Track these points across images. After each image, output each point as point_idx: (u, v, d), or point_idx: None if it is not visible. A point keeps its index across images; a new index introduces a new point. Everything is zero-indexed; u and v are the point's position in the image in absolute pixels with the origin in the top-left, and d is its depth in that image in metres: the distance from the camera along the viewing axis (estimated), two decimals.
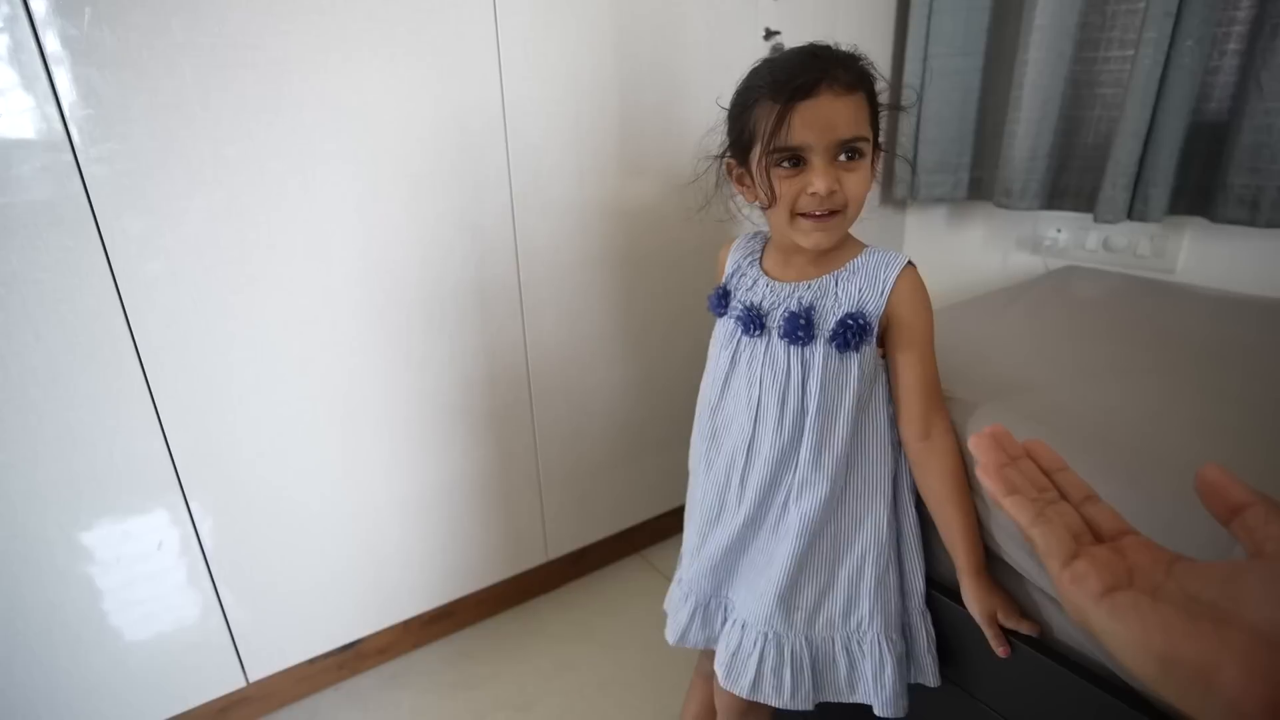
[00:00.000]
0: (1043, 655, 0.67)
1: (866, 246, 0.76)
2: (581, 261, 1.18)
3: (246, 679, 1.06)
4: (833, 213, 0.68)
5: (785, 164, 0.68)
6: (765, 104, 0.67)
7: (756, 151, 0.69)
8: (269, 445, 0.98)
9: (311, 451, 1.01)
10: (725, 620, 0.83)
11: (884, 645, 0.75)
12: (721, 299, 0.82)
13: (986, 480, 0.36)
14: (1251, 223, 1.07)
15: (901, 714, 0.76)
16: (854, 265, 0.74)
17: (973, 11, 1.37)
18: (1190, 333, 0.95)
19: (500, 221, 1.07)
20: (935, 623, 0.77)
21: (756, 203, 0.74)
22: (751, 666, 0.77)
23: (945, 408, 0.75)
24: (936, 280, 1.75)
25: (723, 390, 0.80)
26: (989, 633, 0.70)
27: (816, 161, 0.66)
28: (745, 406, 0.77)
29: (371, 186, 0.95)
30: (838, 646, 0.77)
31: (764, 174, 0.69)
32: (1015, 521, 0.35)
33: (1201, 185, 1.16)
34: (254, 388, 0.94)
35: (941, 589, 0.77)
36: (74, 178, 0.77)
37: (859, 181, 0.69)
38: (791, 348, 0.73)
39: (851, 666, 0.77)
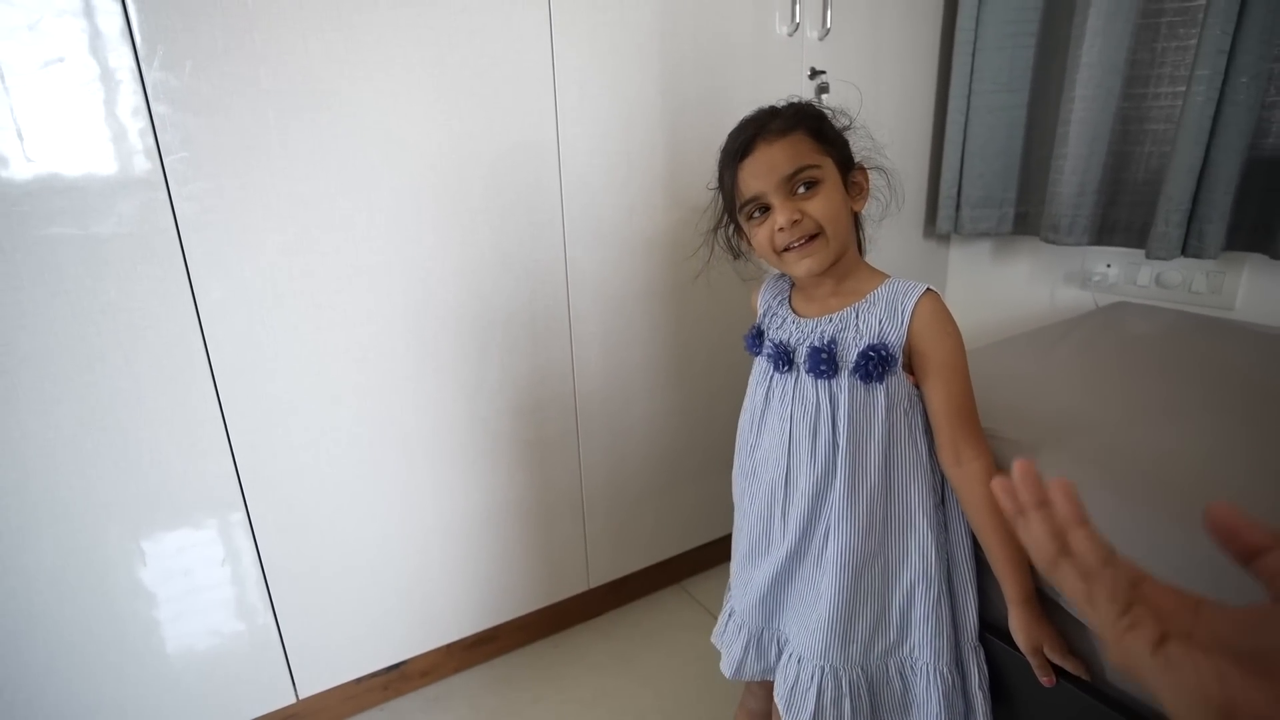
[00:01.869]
0: (1093, 698, 0.66)
1: (889, 277, 0.77)
2: (629, 294, 1.21)
3: (297, 695, 1.09)
4: (812, 237, 0.73)
5: (756, 214, 0.76)
6: (726, 172, 0.78)
7: (736, 213, 0.79)
8: (327, 468, 1.02)
9: (366, 475, 1.05)
10: (780, 653, 0.83)
11: (933, 676, 0.75)
12: (756, 338, 0.85)
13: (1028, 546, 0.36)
14: None
15: None
16: (874, 296, 0.76)
17: (1018, 49, 1.38)
18: (1249, 372, 0.93)
19: (552, 255, 1.11)
20: (989, 661, 0.76)
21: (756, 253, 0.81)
22: (811, 700, 0.77)
23: (979, 433, 0.74)
24: (981, 315, 1.75)
25: (760, 427, 0.83)
26: (1034, 663, 0.69)
27: (775, 201, 0.73)
28: (780, 441, 0.79)
29: (431, 221, 1.00)
30: (892, 671, 0.78)
31: (738, 234, 0.82)
32: (1060, 586, 0.34)
33: (1260, 221, 1.14)
34: (316, 412, 0.99)
35: (994, 629, 0.76)
36: (166, 214, 0.83)
37: (822, 203, 0.73)
38: (819, 381, 0.76)
39: (905, 689, 0.77)
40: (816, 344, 0.75)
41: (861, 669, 0.77)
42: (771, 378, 0.81)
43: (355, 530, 1.06)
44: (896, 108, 1.46)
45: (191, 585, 0.97)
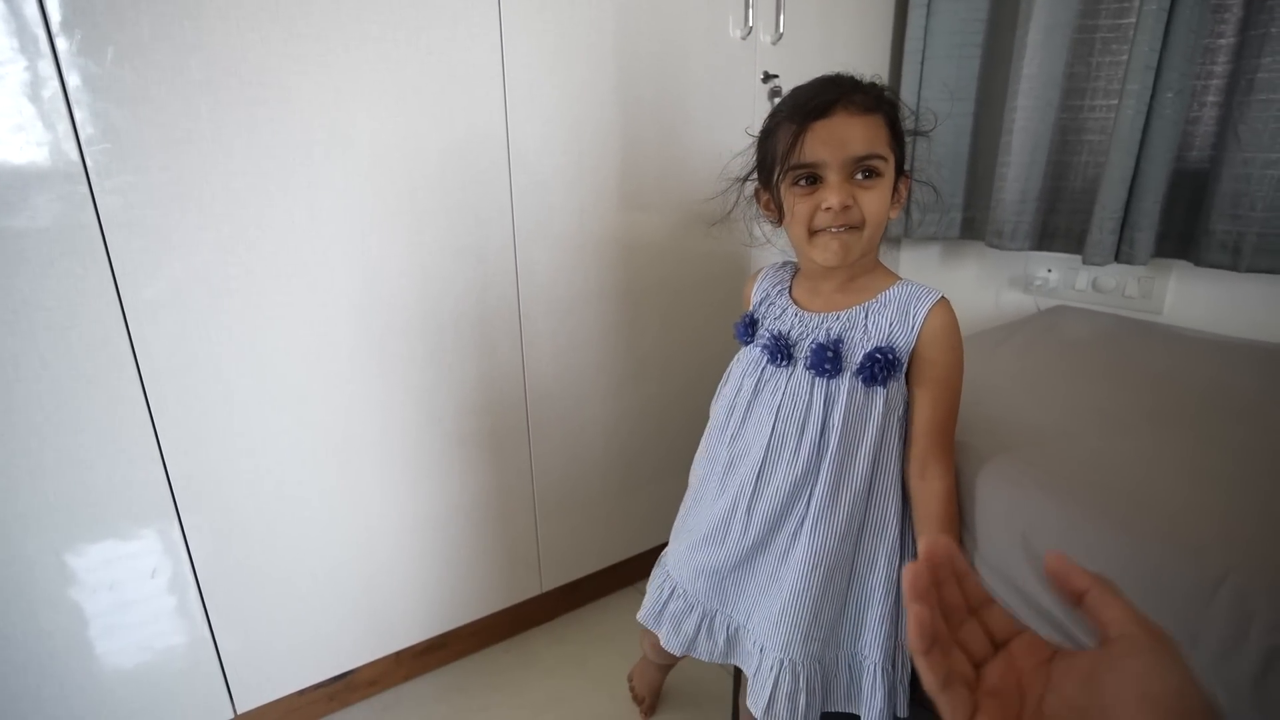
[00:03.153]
0: None
1: (900, 279, 0.75)
2: (582, 294, 1.20)
3: (235, 710, 1.05)
4: (851, 228, 0.69)
5: (802, 182, 0.70)
6: (785, 126, 0.70)
7: (777, 172, 0.71)
8: (266, 473, 0.98)
9: (308, 480, 1.02)
10: (730, 638, 0.84)
11: (879, 674, 0.77)
12: (749, 327, 0.82)
13: (911, 631, 0.36)
14: (1234, 267, 1.10)
15: None
16: (885, 297, 0.73)
17: (964, 60, 1.42)
18: (1177, 375, 0.97)
19: (502, 254, 1.10)
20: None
21: (780, 225, 0.75)
22: (766, 691, 0.78)
23: (951, 452, 0.75)
24: None
25: (743, 419, 0.80)
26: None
27: (831, 178, 0.68)
28: (761, 435, 0.77)
29: (376, 219, 0.98)
30: (842, 663, 0.79)
31: (780, 192, 0.72)
32: (925, 680, 0.35)
33: (1185, 230, 1.19)
34: (254, 416, 0.95)
35: None
36: (88, 209, 0.79)
37: (876, 199, 0.69)
38: (817, 380, 0.73)
39: (852, 682, 0.79)
40: (823, 340, 0.73)
41: (818, 661, 0.78)
42: (764, 369, 0.78)
43: (298, 537, 1.03)
44: None
45: (119, 599, 0.92)
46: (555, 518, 1.28)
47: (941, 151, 1.47)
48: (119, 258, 0.82)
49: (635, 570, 1.47)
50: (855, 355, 0.72)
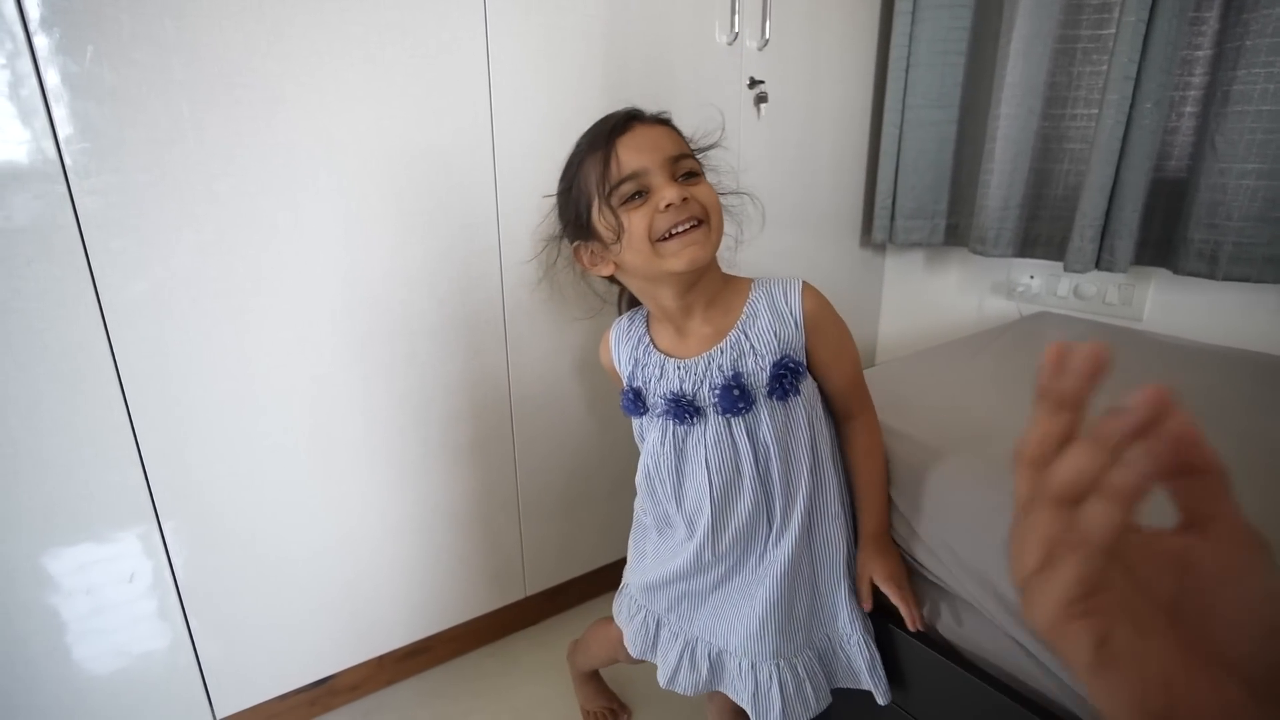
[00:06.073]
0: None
1: (749, 279, 0.75)
2: (565, 298, 1.20)
3: (214, 716, 1.03)
4: (696, 225, 0.67)
5: (635, 198, 0.67)
6: (590, 158, 0.68)
7: (596, 206, 0.68)
8: (247, 476, 0.97)
9: (290, 484, 1.01)
10: (712, 666, 0.83)
11: (862, 647, 0.79)
12: (635, 400, 0.78)
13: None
14: (1210, 275, 1.12)
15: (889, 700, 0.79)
16: (752, 307, 0.72)
17: (948, 68, 1.43)
18: (1156, 380, 0.98)
19: (486, 257, 1.09)
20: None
21: (611, 274, 0.73)
22: (776, 699, 0.78)
23: (868, 392, 0.79)
24: (914, 322, 1.81)
25: (678, 482, 0.78)
26: (861, 590, 0.77)
27: (657, 180, 0.66)
28: (703, 493, 0.76)
29: (360, 221, 0.97)
30: (834, 644, 0.80)
31: (612, 217, 0.67)
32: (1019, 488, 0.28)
33: (1163, 238, 1.21)
34: (235, 419, 0.94)
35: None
36: (66, 209, 0.78)
37: (708, 191, 0.68)
38: (733, 420, 0.71)
39: (849, 660, 0.80)
40: (723, 382, 0.70)
41: (809, 648, 0.79)
42: (674, 432, 0.75)
43: (279, 541, 1.02)
44: (834, 119, 1.50)
45: (96, 603, 0.91)
46: (539, 522, 1.28)
47: (925, 159, 1.49)
48: (98, 259, 0.81)
49: (619, 576, 1.47)
50: (759, 378, 0.71)
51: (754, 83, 1.31)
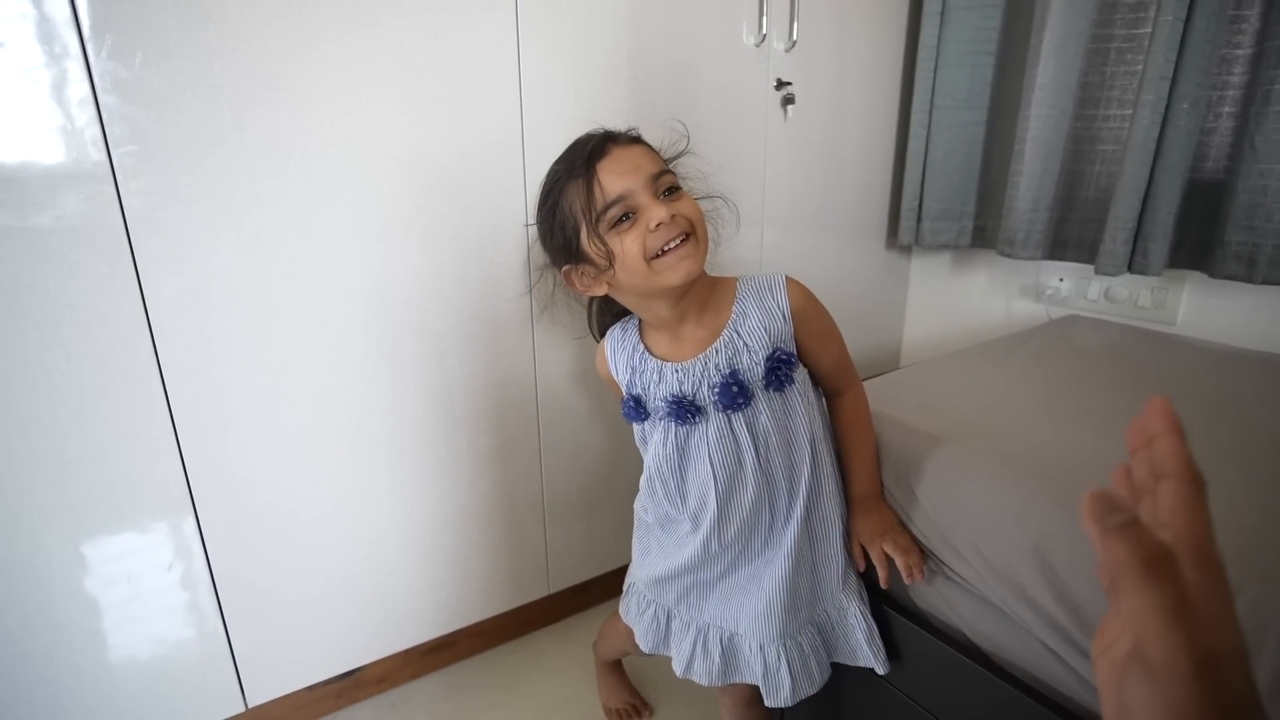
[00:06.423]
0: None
1: (734, 279, 0.78)
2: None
3: (246, 704, 1.06)
4: (686, 236, 0.70)
5: (623, 220, 0.69)
6: (572, 186, 0.70)
7: (584, 233, 0.70)
8: (281, 471, 0.99)
9: (321, 479, 1.03)
10: (724, 652, 0.85)
11: (858, 620, 0.81)
12: (637, 407, 0.81)
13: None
14: (1249, 279, 1.10)
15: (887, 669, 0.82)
16: (740, 307, 0.75)
17: (977, 68, 1.42)
18: (1189, 386, 0.97)
19: (515, 258, 1.11)
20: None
21: (603, 292, 0.75)
22: (786, 678, 0.80)
23: (854, 368, 0.82)
24: (940, 325, 1.79)
25: (682, 480, 0.81)
26: (853, 553, 0.80)
27: (643, 200, 0.68)
28: (708, 488, 0.78)
29: (392, 220, 0.99)
30: (834, 616, 0.83)
31: (601, 244, 0.69)
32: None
33: (1200, 241, 1.19)
34: (270, 414, 0.96)
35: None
36: (114, 209, 0.81)
37: (690, 204, 0.71)
38: (733, 416, 0.75)
39: (846, 635, 0.82)
40: (721, 380, 0.74)
41: (811, 624, 0.82)
42: (676, 433, 0.78)
43: (310, 535, 1.04)
44: (861, 120, 1.49)
45: (135, 591, 0.94)
46: (563, 521, 1.29)
47: (953, 160, 1.47)
48: (143, 257, 0.83)
49: None
50: (755, 372, 0.74)
51: (781, 84, 1.31)
